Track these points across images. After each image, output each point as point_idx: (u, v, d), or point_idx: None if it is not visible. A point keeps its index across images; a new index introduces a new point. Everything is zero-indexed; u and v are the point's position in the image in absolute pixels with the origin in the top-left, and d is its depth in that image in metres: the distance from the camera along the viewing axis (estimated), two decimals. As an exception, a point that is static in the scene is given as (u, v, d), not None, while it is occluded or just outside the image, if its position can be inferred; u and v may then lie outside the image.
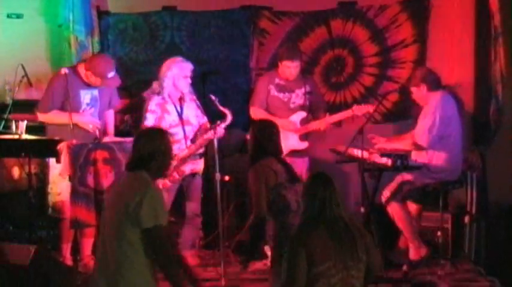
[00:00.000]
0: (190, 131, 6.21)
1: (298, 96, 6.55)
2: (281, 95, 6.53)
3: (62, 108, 5.93)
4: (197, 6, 7.55)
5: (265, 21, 7.53)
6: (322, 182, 3.94)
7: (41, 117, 6.06)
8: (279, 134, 5.33)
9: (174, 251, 4.03)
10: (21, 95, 6.55)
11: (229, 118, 5.99)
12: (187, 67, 6.17)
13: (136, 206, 3.75)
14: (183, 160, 6.10)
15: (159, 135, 4.04)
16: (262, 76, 6.91)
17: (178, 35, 7.55)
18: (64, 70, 5.92)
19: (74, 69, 6.07)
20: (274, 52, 7.46)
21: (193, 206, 6.30)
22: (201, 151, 6.26)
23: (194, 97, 6.30)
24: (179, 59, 6.23)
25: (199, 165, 6.22)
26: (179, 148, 6.13)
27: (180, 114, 6.18)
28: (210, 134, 6.01)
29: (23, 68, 6.13)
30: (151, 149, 3.92)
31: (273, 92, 6.53)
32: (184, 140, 6.15)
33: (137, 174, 3.90)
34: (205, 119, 6.27)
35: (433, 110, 5.99)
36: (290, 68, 6.45)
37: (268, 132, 5.28)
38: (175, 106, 6.18)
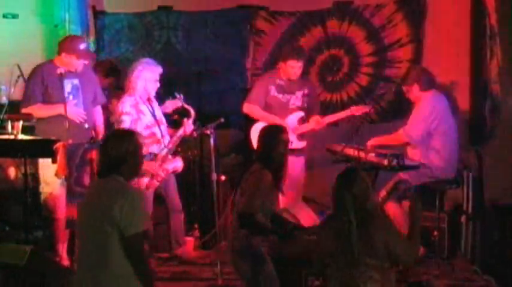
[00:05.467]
0: (164, 129, 6.20)
1: (297, 99, 6.53)
2: (281, 95, 6.51)
3: (44, 101, 5.94)
4: (193, 5, 7.55)
5: (262, 21, 7.54)
6: (341, 182, 4.02)
7: (25, 112, 6.05)
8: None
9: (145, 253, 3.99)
10: (17, 95, 6.53)
11: (192, 114, 6.11)
12: (158, 71, 6.16)
13: (119, 214, 3.66)
14: (165, 159, 6.10)
15: (127, 137, 3.92)
16: (262, 75, 6.88)
17: (174, 34, 7.56)
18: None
19: (50, 62, 6.10)
20: (270, 52, 7.48)
21: (174, 204, 6.30)
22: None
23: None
24: (151, 61, 6.19)
25: (179, 163, 6.20)
26: (158, 148, 6.13)
27: (153, 114, 6.17)
28: (181, 131, 6.08)
29: (19, 68, 6.12)
30: (120, 152, 3.81)
31: (273, 92, 6.51)
32: (162, 139, 6.15)
33: (112, 179, 3.80)
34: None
35: (422, 108, 6.07)
36: (294, 68, 6.41)
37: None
38: (147, 106, 6.17)
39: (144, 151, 5.94)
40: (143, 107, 6.12)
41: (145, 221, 3.78)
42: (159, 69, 6.15)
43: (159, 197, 6.23)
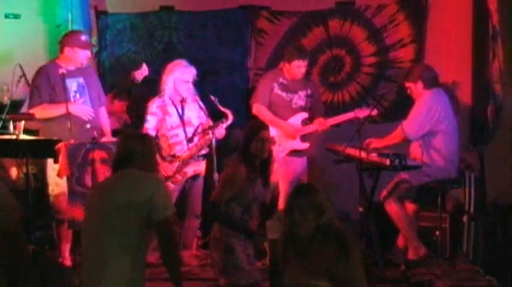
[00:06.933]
0: (191, 132, 6.21)
1: (300, 98, 6.54)
2: (284, 94, 6.52)
3: (51, 101, 5.95)
4: (195, 6, 7.56)
5: (263, 21, 7.54)
6: (293, 196, 3.94)
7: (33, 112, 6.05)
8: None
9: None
10: (19, 95, 6.53)
11: (230, 118, 6.06)
12: (190, 72, 6.19)
13: (151, 199, 3.85)
14: (186, 162, 6.11)
15: (138, 138, 4.16)
16: (265, 74, 6.88)
17: (176, 35, 7.56)
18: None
19: (53, 62, 6.11)
20: (272, 52, 7.47)
21: (194, 208, 6.31)
22: (204, 151, 6.26)
23: (197, 98, 6.31)
24: (184, 63, 6.24)
25: (201, 166, 6.24)
26: (181, 150, 6.14)
27: (181, 116, 6.19)
28: (210, 135, 6.06)
29: (21, 68, 6.13)
30: (128, 150, 4.01)
31: (277, 90, 6.52)
32: (186, 142, 6.16)
33: (128, 172, 3.98)
34: (206, 120, 6.27)
35: (421, 104, 6.09)
36: (300, 67, 6.44)
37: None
38: (176, 108, 6.18)
39: (167, 151, 6.03)
40: (171, 109, 6.16)
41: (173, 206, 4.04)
42: (190, 70, 6.19)
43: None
